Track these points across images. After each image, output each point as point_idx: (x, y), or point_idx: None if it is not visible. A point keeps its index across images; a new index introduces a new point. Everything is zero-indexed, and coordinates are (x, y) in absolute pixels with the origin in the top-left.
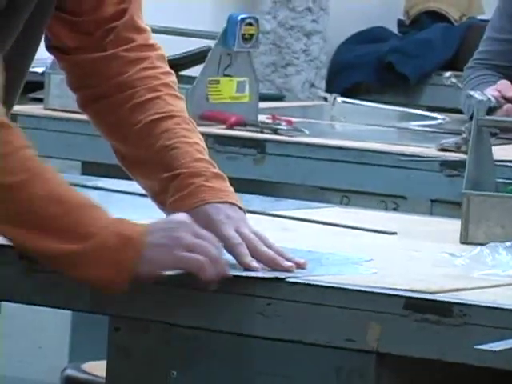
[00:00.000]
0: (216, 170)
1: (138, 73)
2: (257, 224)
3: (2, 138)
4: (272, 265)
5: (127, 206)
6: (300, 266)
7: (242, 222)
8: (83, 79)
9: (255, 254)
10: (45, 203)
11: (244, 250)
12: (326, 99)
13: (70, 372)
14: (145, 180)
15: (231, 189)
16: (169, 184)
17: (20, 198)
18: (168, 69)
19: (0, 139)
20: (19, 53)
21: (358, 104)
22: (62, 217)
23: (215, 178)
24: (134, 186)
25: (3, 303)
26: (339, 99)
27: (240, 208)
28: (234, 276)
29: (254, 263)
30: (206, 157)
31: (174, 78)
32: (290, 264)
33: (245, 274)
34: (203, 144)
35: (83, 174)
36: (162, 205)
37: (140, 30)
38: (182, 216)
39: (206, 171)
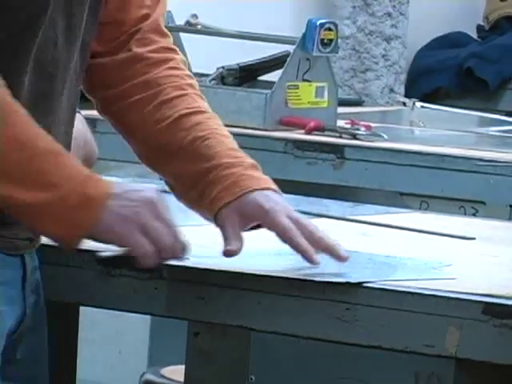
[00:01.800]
0: (252, 161)
1: (163, 71)
2: (335, 229)
3: None
4: (329, 251)
5: None
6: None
7: (289, 207)
8: (105, 81)
9: (311, 240)
10: (8, 148)
11: (305, 243)
12: (405, 104)
13: (149, 376)
14: (175, 174)
15: (268, 177)
16: (205, 176)
17: None
18: (190, 72)
19: None
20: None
21: (437, 109)
22: (24, 163)
23: (252, 168)
24: None
25: (83, 308)
26: (418, 104)
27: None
28: (307, 280)
29: (317, 258)
30: (239, 149)
31: (195, 81)
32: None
33: (313, 278)
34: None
35: None
36: (192, 201)
37: (163, 34)
38: (150, 192)
39: (244, 161)
